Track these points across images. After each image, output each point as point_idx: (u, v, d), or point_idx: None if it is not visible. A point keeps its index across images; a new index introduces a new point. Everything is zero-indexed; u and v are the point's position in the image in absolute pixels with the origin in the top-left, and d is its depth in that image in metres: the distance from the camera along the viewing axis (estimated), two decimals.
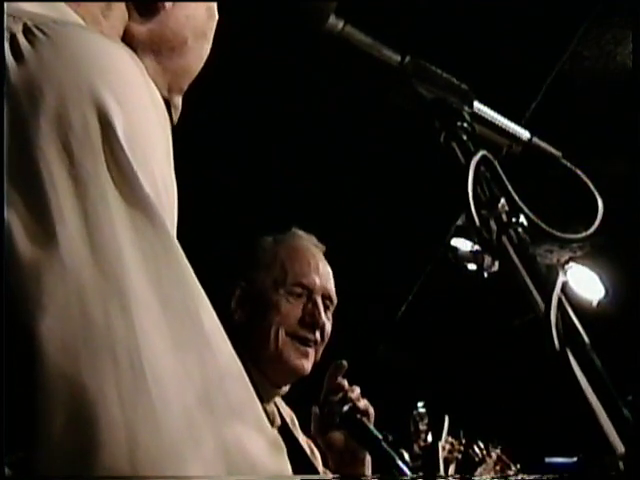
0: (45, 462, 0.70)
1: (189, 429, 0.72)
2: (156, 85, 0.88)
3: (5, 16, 0.80)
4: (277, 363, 2.14)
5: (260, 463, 0.76)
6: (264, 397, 2.08)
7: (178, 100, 1.06)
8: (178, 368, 0.73)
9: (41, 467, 0.70)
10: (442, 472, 2.90)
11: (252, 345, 2.12)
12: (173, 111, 1.05)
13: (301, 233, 2.35)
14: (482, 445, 4.02)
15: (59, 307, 0.71)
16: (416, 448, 3.47)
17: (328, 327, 2.23)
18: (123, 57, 0.83)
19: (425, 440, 3.67)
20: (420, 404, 3.82)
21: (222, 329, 0.80)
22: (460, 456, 3.79)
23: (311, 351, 2.18)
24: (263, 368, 2.12)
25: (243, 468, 0.74)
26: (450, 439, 3.86)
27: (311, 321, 2.18)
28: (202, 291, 0.79)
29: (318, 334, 2.19)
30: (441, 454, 3.55)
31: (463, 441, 3.89)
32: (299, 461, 2.19)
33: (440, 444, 3.62)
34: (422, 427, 3.72)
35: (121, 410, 0.69)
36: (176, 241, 0.79)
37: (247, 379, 0.80)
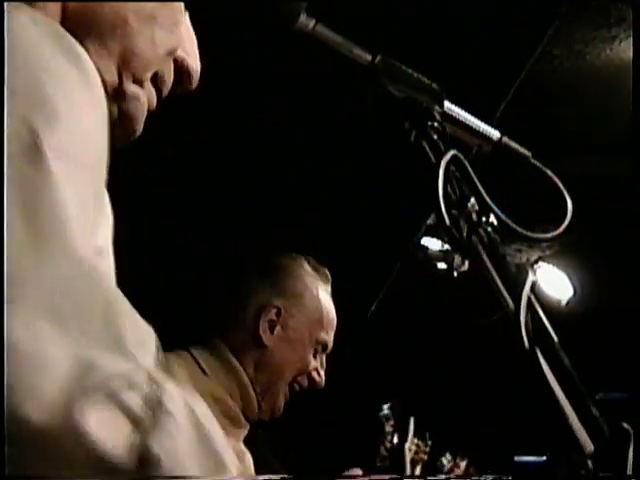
0: None
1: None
2: (100, 69, 0.86)
3: (5, 14, 0.78)
4: (267, 402, 2.14)
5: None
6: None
7: (133, 88, 1.02)
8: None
9: None
10: (409, 473, 2.92)
11: (260, 370, 2.13)
12: (128, 100, 1.01)
13: (325, 272, 2.30)
14: (449, 457, 4.04)
15: None
16: (382, 450, 3.48)
17: None
18: (45, 54, 0.79)
19: (391, 442, 3.68)
20: (385, 406, 3.82)
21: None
22: (426, 457, 3.80)
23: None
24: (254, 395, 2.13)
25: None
26: (416, 441, 3.87)
27: (311, 378, 2.19)
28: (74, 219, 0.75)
29: (306, 385, 2.21)
30: (408, 456, 3.56)
31: (429, 442, 3.90)
32: None
33: (406, 445, 3.63)
34: (388, 429, 3.72)
35: None
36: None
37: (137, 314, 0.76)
